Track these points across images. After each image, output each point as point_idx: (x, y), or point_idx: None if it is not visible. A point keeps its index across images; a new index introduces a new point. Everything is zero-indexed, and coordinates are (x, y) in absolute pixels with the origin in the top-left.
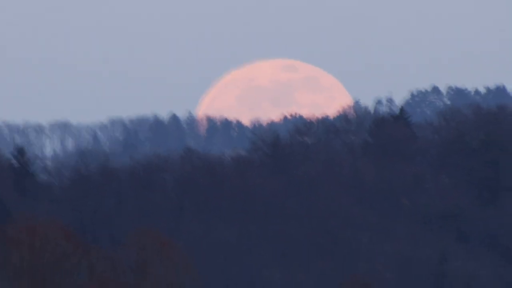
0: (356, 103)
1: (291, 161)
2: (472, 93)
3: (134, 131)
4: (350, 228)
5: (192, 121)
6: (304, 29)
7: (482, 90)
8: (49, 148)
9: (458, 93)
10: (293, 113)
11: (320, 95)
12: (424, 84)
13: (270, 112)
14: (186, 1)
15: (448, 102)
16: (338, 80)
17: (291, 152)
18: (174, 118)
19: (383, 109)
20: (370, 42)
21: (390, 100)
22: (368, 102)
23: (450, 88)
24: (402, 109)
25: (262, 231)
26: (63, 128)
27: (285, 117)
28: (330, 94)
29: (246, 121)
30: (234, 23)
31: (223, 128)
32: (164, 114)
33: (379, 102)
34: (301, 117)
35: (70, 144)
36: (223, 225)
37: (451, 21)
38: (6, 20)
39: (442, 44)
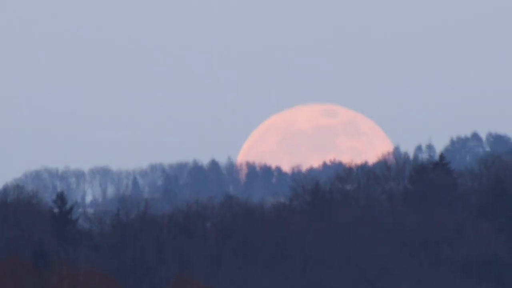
0: (396, 149)
1: (331, 207)
2: None
3: (174, 176)
4: (389, 276)
5: (231, 166)
6: (343, 73)
7: None
8: (89, 194)
9: (498, 139)
10: (333, 159)
11: (360, 140)
12: (464, 131)
13: (310, 157)
14: (224, 47)
15: (488, 149)
16: (378, 125)
17: (331, 198)
18: (214, 163)
19: (423, 155)
20: (411, 87)
21: (430, 147)
22: (408, 148)
23: (490, 134)
24: (442, 156)
25: (302, 278)
26: (103, 173)
27: (325, 163)
28: (369, 139)
29: (286, 167)
30: (273, 68)
31: (263, 174)
32: (204, 160)
33: (419, 148)
34: (340, 163)
35: (110, 190)
36: (263, 272)
37: (491, 67)
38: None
39: (483, 90)
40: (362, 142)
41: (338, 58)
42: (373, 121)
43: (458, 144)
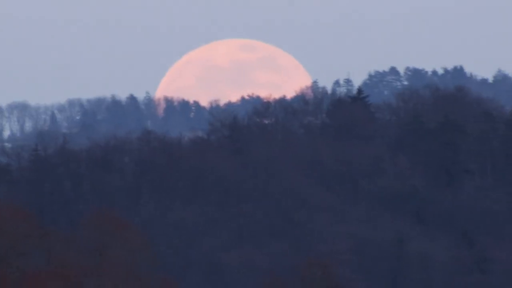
0: (314, 83)
1: (249, 142)
2: (430, 73)
3: (92, 112)
4: (307, 210)
5: (150, 102)
6: (261, 8)
7: (440, 71)
8: (7, 129)
9: (416, 74)
10: (251, 94)
11: (278, 75)
12: (382, 65)
13: (228, 92)
14: None
15: (406, 83)
16: (297, 60)
17: (248, 133)
18: (132, 99)
19: (341, 89)
20: (328, 21)
21: (348, 81)
22: (327, 83)
23: (407, 69)
24: (359, 90)
25: (219, 212)
26: (21, 108)
27: (243, 98)
28: (288, 73)
29: (204, 102)
30: (191, 3)
31: (181, 109)
32: (122, 95)
33: (337, 82)
34: (258, 97)
35: (28, 125)
36: (181, 206)
37: (409, 1)
38: None
39: (400, 24)
40: (281, 77)
41: None
42: (292, 55)
43: (376, 78)
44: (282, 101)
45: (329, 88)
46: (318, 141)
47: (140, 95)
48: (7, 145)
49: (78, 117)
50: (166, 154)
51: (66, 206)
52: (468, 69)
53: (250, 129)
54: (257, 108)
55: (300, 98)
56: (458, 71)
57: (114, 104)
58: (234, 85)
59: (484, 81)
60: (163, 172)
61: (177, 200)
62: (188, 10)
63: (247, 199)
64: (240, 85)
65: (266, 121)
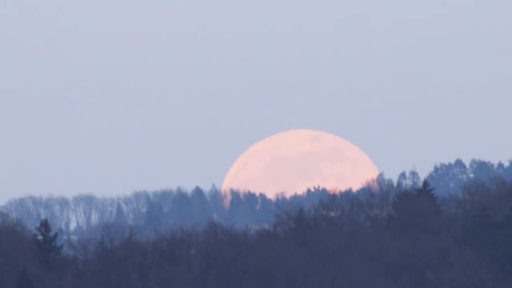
0: (380, 175)
1: (315, 234)
2: (496, 166)
3: (158, 204)
4: None
5: (216, 194)
6: (329, 100)
7: (505, 163)
8: (73, 222)
9: (481, 166)
10: (317, 186)
11: (345, 166)
12: (448, 158)
13: (295, 184)
14: (209, 75)
15: (472, 176)
16: (363, 151)
17: (315, 225)
18: (198, 191)
19: (407, 182)
20: (395, 114)
21: (413, 173)
22: (392, 175)
23: (473, 161)
24: (425, 182)
25: None
26: (87, 201)
27: (309, 190)
28: (354, 165)
29: (270, 193)
30: (259, 95)
31: (247, 201)
32: (188, 187)
33: (403, 175)
34: (325, 190)
35: (94, 217)
36: None
37: (474, 96)
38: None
39: (466, 118)
40: (347, 168)
41: (323, 84)
42: (358, 147)
43: (442, 171)
44: (348, 194)
45: (395, 180)
46: (384, 233)
47: (206, 187)
48: (74, 237)
49: (144, 209)
50: (232, 246)
51: None
52: None
53: (317, 222)
54: (324, 200)
55: (366, 191)
56: None
57: (180, 197)
58: (300, 176)
59: None
60: (229, 265)
61: None
62: (254, 100)
63: None
64: (307, 177)
65: (332, 214)
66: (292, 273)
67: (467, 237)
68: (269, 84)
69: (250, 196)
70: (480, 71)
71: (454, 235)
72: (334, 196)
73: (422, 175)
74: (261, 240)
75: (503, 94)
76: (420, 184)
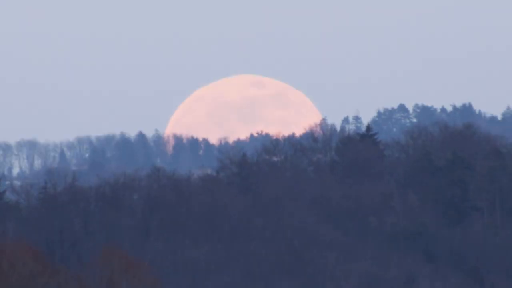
0: (323, 120)
1: (258, 180)
2: (438, 111)
3: (101, 149)
4: (316, 247)
5: (159, 139)
6: (272, 45)
7: (448, 108)
8: (16, 167)
9: (424, 111)
10: (260, 131)
11: (288, 111)
12: (391, 102)
13: (238, 129)
14: (153, 21)
15: (415, 120)
16: (307, 97)
17: (258, 171)
18: (141, 136)
19: (350, 127)
20: (338, 59)
21: (356, 118)
22: (336, 120)
23: (416, 106)
24: (368, 127)
25: (229, 250)
26: (30, 146)
27: (252, 135)
28: (298, 110)
29: (213, 138)
30: (201, 41)
31: (190, 146)
32: (131, 132)
33: (346, 120)
34: (268, 135)
35: (37, 162)
36: (190, 244)
37: (418, 39)
38: None
39: (409, 62)
40: (290, 113)
41: (265, 28)
42: (302, 92)
43: (385, 116)
44: (291, 139)
45: (338, 125)
46: (327, 178)
47: (149, 133)
48: (16, 182)
49: (87, 155)
50: (175, 191)
51: (76, 244)
52: (476, 107)
53: (259, 167)
54: (266, 145)
55: (309, 136)
56: (467, 109)
57: (123, 142)
58: (244, 121)
59: (493, 118)
60: (172, 210)
61: (186, 238)
62: (198, 46)
63: (257, 238)
64: (250, 122)
65: (275, 159)
66: (235, 217)
67: (410, 181)
68: (213, 29)
69: (193, 141)
70: (421, 12)
71: (397, 180)
72: (277, 141)
73: (365, 120)
74: (204, 185)
75: (445, 39)
76: (363, 129)
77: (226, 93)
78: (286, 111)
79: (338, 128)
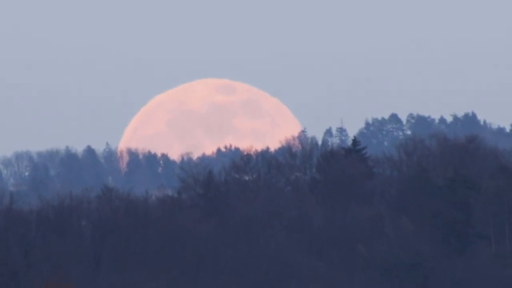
0: (302, 132)
1: (227, 202)
2: (437, 121)
3: (43, 166)
4: (295, 281)
5: (110, 154)
6: (242, 44)
7: (448, 118)
8: None
9: (420, 121)
10: (229, 145)
11: (262, 121)
12: (381, 112)
13: (203, 143)
14: (112, 20)
15: (409, 132)
16: (284, 104)
17: (226, 191)
18: (90, 151)
19: (334, 140)
20: (320, 60)
21: (341, 130)
22: (317, 132)
23: (411, 116)
24: (355, 140)
25: (193, 284)
26: None
27: (220, 150)
28: (273, 120)
29: (174, 154)
30: (160, 41)
31: (147, 162)
32: (78, 147)
33: (329, 131)
34: (238, 150)
35: None
36: (148, 277)
37: (412, 39)
38: None
39: (401, 64)
40: (264, 124)
41: (236, 27)
42: (278, 99)
43: (374, 127)
44: (265, 153)
45: (319, 138)
46: (307, 200)
47: (100, 147)
48: None
49: (27, 173)
50: (130, 215)
51: (14, 277)
52: (481, 116)
53: (228, 187)
54: (236, 162)
55: (286, 150)
56: (470, 119)
57: (69, 158)
58: (210, 134)
59: (500, 130)
60: (127, 236)
61: (143, 270)
62: (156, 46)
63: (225, 270)
64: (217, 134)
65: (246, 177)
66: (200, 247)
67: (403, 204)
68: (173, 27)
69: (151, 157)
70: (419, 16)
71: (389, 202)
72: (248, 156)
73: (351, 132)
74: (164, 208)
75: (442, 42)
76: (349, 142)
77: (189, 100)
78: (259, 121)
79: (319, 141)
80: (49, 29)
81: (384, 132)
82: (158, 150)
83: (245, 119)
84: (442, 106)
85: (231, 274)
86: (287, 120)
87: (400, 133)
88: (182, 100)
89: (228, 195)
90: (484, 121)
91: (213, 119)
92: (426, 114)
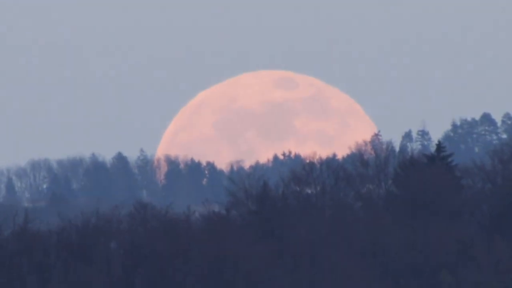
0: (376, 136)
1: (284, 220)
2: None
3: (64, 177)
4: None
5: (145, 163)
6: (306, 32)
7: None
8: None
9: None
10: (288, 152)
11: (329, 122)
12: (472, 112)
13: (257, 148)
14: (144, 11)
15: (505, 136)
16: (355, 101)
17: (284, 207)
18: (120, 159)
19: (414, 145)
20: (398, 51)
21: (423, 133)
22: (394, 135)
23: (507, 116)
24: (439, 145)
25: None
26: None
27: (277, 157)
28: (343, 120)
29: (222, 162)
30: (204, 27)
31: (189, 172)
32: (106, 154)
33: (408, 135)
34: (299, 157)
35: None
36: None
37: (504, 35)
38: None
39: (496, 60)
40: (332, 125)
41: (297, 9)
42: (349, 95)
43: (463, 130)
44: (331, 162)
45: (397, 143)
46: (381, 218)
47: (132, 154)
48: None
49: (45, 186)
50: (169, 237)
51: None
52: None
53: (287, 202)
54: (297, 171)
55: (357, 158)
56: None
57: (96, 167)
58: (265, 137)
59: None
60: (164, 263)
61: None
62: (200, 35)
63: None
64: (274, 138)
65: (309, 190)
66: (253, 274)
67: (498, 223)
68: (222, 11)
69: (194, 166)
70: None
71: (481, 221)
72: (311, 165)
73: (435, 136)
74: (209, 228)
75: None
76: (433, 148)
77: (241, 97)
78: (325, 122)
79: (397, 146)
80: (73, 17)
81: (474, 136)
82: (203, 158)
83: (308, 120)
84: None
85: None
86: (360, 121)
87: (494, 137)
88: (232, 97)
89: (287, 212)
90: None
91: (269, 119)
92: None
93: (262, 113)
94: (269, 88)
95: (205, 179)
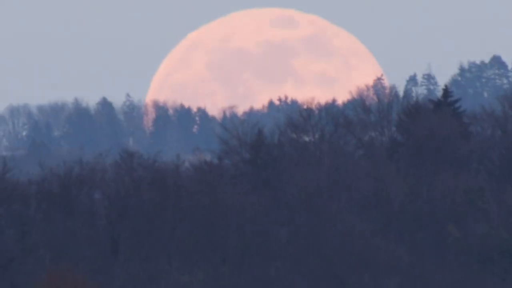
0: (379, 80)
1: (281, 170)
2: None
3: (45, 124)
4: (369, 270)
5: (132, 108)
6: None
7: None
8: None
9: None
10: (284, 96)
11: (331, 63)
12: (480, 54)
13: (252, 92)
14: None
15: None
16: (360, 42)
17: (280, 156)
18: (105, 104)
19: (419, 90)
20: None
21: (429, 77)
22: (398, 79)
23: None
24: (446, 90)
25: (237, 276)
26: None
27: (272, 103)
28: (346, 60)
29: (214, 108)
30: None
31: (179, 119)
32: (90, 99)
33: (412, 79)
34: (295, 102)
35: None
36: (179, 267)
37: None
38: None
39: (507, 1)
40: (334, 66)
41: None
42: (353, 34)
43: (471, 73)
44: (331, 108)
45: (401, 87)
46: (384, 167)
47: (118, 100)
48: None
49: (24, 133)
50: (156, 188)
51: (9, 266)
52: None
53: (283, 150)
54: (294, 118)
55: (358, 103)
56: None
57: (79, 113)
58: (261, 80)
59: None
60: (152, 215)
61: (173, 257)
62: None
63: (279, 257)
64: (271, 80)
65: (306, 138)
66: (247, 227)
67: (508, 172)
68: None
69: (184, 112)
70: None
71: (490, 170)
72: (309, 111)
73: (442, 80)
74: (200, 178)
75: None
76: (439, 93)
77: (236, 36)
78: (327, 63)
79: (401, 91)
80: None
81: (483, 80)
82: (194, 103)
83: (308, 60)
84: None
85: (286, 263)
86: (364, 62)
87: (505, 81)
88: (223, 37)
89: (283, 161)
90: None
91: (266, 60)
92: None
93: (257, 54)
94: (266, 26)
95: (195, 126)
